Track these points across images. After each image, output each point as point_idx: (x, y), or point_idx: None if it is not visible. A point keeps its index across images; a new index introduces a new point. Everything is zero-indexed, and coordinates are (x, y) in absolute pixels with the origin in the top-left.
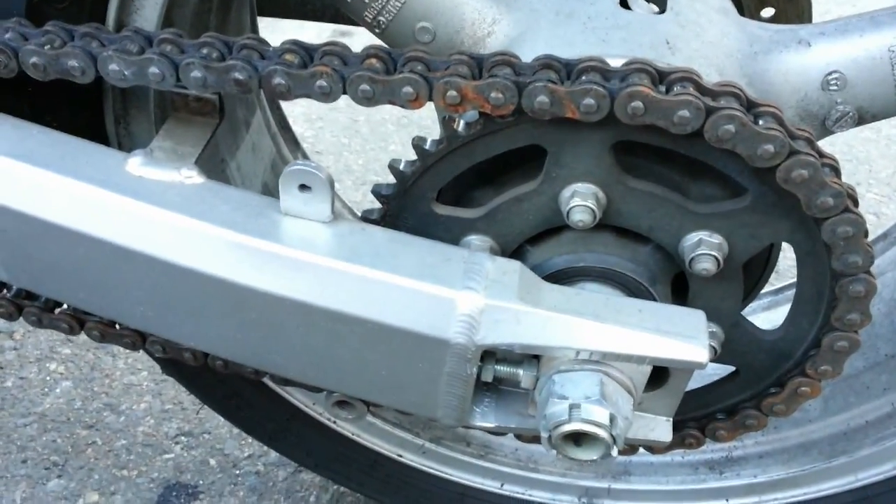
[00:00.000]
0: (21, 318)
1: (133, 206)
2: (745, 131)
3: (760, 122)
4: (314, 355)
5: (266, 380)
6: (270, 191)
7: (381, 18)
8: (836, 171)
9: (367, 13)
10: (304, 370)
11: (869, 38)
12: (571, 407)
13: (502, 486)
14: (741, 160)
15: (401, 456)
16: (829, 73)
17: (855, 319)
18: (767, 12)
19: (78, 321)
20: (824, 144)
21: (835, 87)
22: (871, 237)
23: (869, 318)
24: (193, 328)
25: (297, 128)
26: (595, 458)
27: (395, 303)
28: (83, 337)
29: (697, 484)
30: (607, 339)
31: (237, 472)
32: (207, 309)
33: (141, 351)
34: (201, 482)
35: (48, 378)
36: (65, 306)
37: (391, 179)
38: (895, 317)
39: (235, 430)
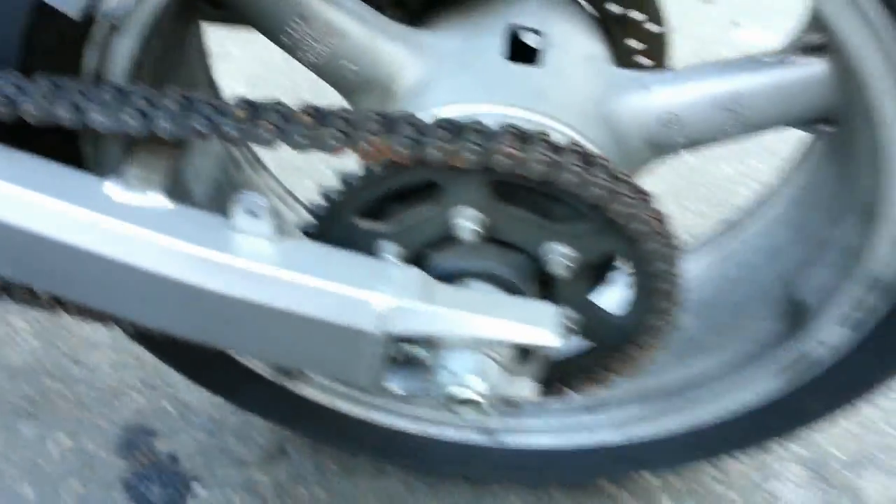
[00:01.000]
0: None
1: (109, 224)
2: (582, 180)
3: (593, 172)
4: (264, 339)
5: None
6: (219, 186)
7: (312, 58)
8: (650, 203)
9: (300, 54)
10: (260, 350)
11: (695, 85)
12: (454, 376)
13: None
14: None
15: (335, 405)
16: (666, 112)
17: (667, 307)
18: (635, 44)
19: (58, 301)
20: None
21: (670, 123)
22: None
23: (679, 305)
24: (157, 316)
25: (240, 88)
26: (472, 416)
27: (324, 302)
28: None
29: (574, 420)
30: (481, 328)
31: (192, 416)
32: (171, 303)
33: None
34: (159, 425)
35: (12, 333)
36: None
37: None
38: (731, 293)
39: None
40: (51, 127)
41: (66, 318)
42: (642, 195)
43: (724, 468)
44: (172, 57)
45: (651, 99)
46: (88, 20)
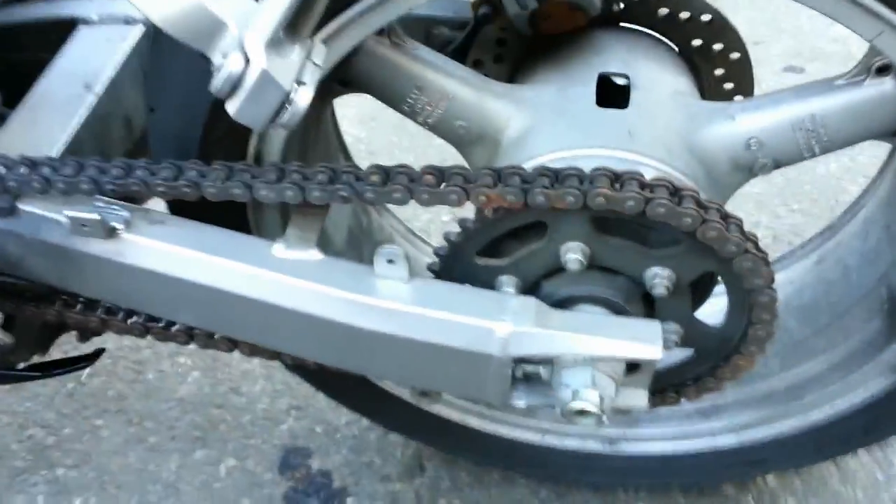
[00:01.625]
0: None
1: (280, 279)
2: (672, 212)
3: (682, 204)
4: (407, 367)
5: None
6: (352, 232)
7: (429, 120)
8: (739, 226)
9: (418, 118)
10: (403, 376)
11: (776, 111)
12: (574, 392)
13: (543, 437)
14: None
15: (464, 420)
16: (750, 138)
17: (766, 318)
18: (719, 71)
19: (233, 342)
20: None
21: (755, 148)
22: None
23: (775, 315)
24: (319, 352)
25: (353, 129)
26: (591, 424)
27: (456, 332)
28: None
29: (692, 426)
30: (592, 347)
31: (338, 435)
32: (330, 341)
33: None
34: (311, 445)
35: (180, 370)
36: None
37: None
38: (831, 295)
39: (333, 403)
40: (226, 202)
41: (222, 355)
42: (731, 219)
43: (845, 467)
44: (312, 133)
45: (735, 127)
46: None
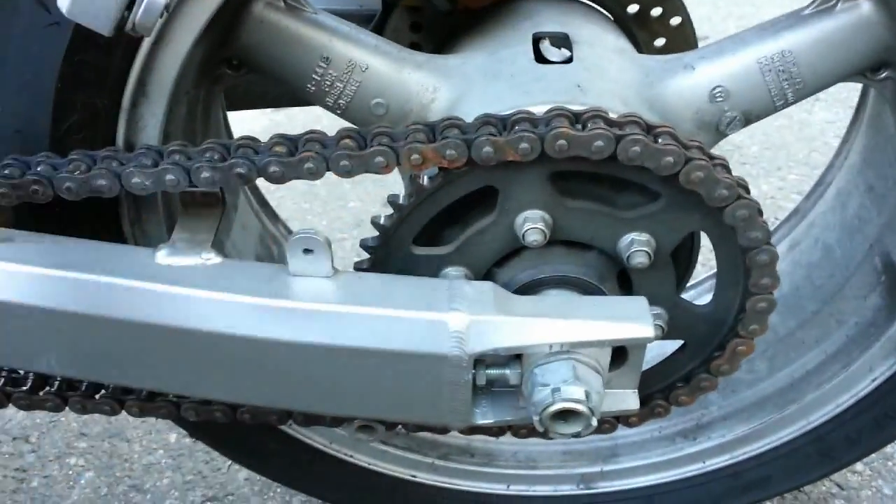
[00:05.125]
0: (67, 409)
1: (168, 291)
2: (649, 150)
3: (660, 141)
4: (336, 389)
5: (285, 428)
6: (262, 261)
7: (341, 101)
8: (727, 168)
9: (328, 99)
10: (329, 404)
11: (740, 54)
12: (553, 391)
13: (508, 487)
14: (651, 171)
15: (414, 476)
16: (714, 88)
17: (767, 283)
18: (659, 42)
19: (118, 402)
20: (745, 139)
21: (720, 99)
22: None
23: (778, 280)
24: (229, 385)
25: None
26: (580, 429)
27: (398, 332)
28: (97, 429)
29: (676, 452)
30: (571, 332)
31: None
32: (241, 365)
33: (153, 433)
34: None
35: (70, 472)
36: (103, 391)
37: (373, 232)
38: (814, 278)
39: (256, 488)
40: (92, 208)
41: (121, 448)
42: (717, 159)
43: (846, 485)
44: (199, 129)
45: (696, 77)
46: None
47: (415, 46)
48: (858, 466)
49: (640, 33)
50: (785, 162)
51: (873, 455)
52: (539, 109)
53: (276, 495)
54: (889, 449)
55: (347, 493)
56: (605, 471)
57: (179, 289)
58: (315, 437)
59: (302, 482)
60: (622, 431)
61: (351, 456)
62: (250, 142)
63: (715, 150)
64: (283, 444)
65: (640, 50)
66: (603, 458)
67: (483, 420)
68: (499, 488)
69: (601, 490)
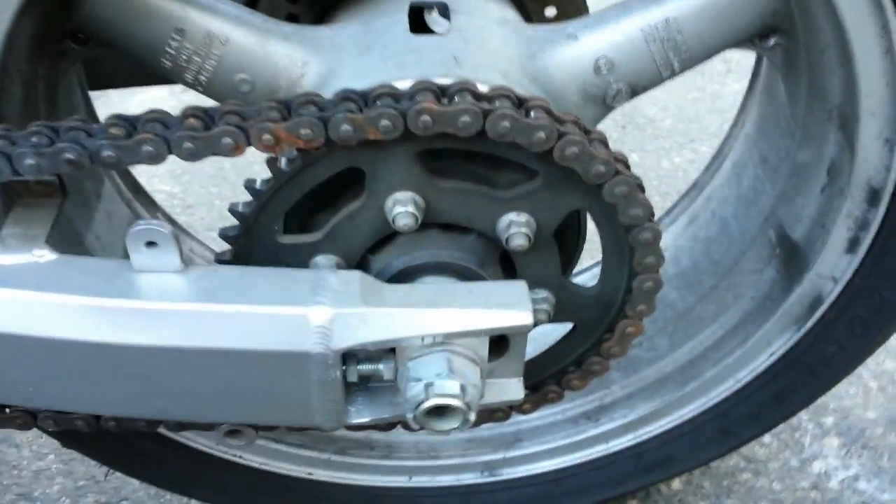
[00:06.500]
0: None
1: None
2: (519, 125)
3: (531, 115)
4: (195, 394)
5: (164, 430)
6: None
7: (201, 77)
8: (604, 143)
9: (187, 75)
10: (190, 410)
11: (624, 22)
12: (427, 386)
13: (410, 479)
14: (525, 148)
15: (311, 474)
16: (598, 59)
17: (651, 262)
18: (550, 11)
19: None
20: (658, 111)
21: (605, 70)
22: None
23: (662, 259)
24: (78, 394)
25: (165, 186)
26: (456, 425)
27: (256, 329)
28: None
29: (580, 435)
30: (444, 322)
31: None
32: (88, 373)
33: (43, 437)
34: None
35: None
36: None
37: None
38: (712, 253)
39: (152, 491)
40: None
41: (9, 454)
42: (594, 134)
43: (754, 458)
44: (40, 108)
45: (580, 48)
46: None
47: (292, 18)
48: (766, 439)
49: (529, 2)
50: (698, 134)
51: (780, 426)
52: (408, 83)
53: (173, 497)
54: (795, 420)
55: (240, 497)
56: (508, 457)
57: (4, 290)
58: (198, 440)
59: (191, 488)
60: (525, 416)
61: (240, 457)
62: (82, 124)
63: (629, 123)
64: (166, 448)
65: (529, 20)
66: (506, 444)
67: (358, 419)
68: (400, 481)
69: (506, 477)
